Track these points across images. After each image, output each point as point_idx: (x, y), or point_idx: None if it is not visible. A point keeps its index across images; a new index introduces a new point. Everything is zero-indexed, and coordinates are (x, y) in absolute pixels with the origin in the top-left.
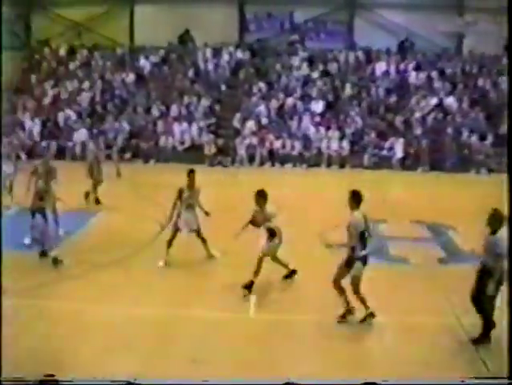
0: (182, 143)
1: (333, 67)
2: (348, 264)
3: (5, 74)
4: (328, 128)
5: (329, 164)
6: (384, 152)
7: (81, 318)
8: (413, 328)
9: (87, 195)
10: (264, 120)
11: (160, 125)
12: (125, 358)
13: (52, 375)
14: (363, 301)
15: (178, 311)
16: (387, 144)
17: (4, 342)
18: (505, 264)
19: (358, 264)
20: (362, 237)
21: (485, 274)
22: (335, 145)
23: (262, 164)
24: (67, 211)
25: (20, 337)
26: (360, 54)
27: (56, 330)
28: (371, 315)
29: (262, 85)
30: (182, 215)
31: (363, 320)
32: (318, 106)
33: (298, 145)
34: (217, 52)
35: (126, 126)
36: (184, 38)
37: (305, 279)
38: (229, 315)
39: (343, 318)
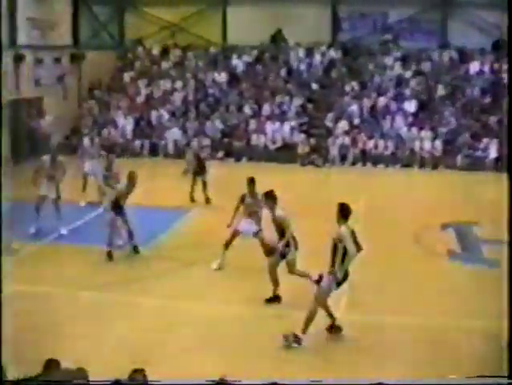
0: (274, 142)
1: (426, 67)
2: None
3: (99, 73)
4: (421, 128)
5: (422, 165)
6: (478, 153)
7: (169, 315)
8: None
9: (191, 194)
10: (356, 120)
11: (253, 124)
12: (212, 356)
13: (142, 370)
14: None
15: (265, 310)
16: (481, 145)
17: (91, 339)
18: None
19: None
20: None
21: None
22: (428, 146)
23: (353, 163)
24: (157, 208)
25: (107, 332)
26: (454, 53)
27: (143, 326)
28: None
29: (354, 84)
30: (243, 220)
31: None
32: (411, 106)
33: (390, 145)
34: (309, 51)
35: (219, 125)
36: (277, 37)
37: (396, 279)
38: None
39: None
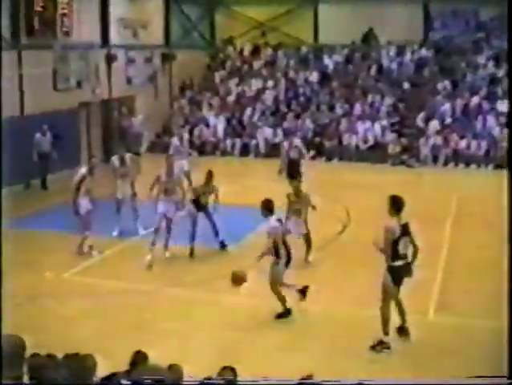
0: (365, 141)
1: None
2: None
3: (189, 73)
4: None
5: None
6: None
7: (259, 314)
8: None
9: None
10: (448, 119)
11: (344, 123)
12: (298, 355)
13: (232, 368)
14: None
15: (360, 311)
16: None
17: (179, 336)
18: None
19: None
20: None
21: None
22: None
23: (445, 164)
24: (247, 207)
25: (195, 330)
26: None
27: (233, 325)
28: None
29: (446, 83)
30: (291, 219)
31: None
32: (504, 105)
33: (483, 145)
34: (401, 50)
35: (309, 124)
36: (368, 36)
37: (487, 281)
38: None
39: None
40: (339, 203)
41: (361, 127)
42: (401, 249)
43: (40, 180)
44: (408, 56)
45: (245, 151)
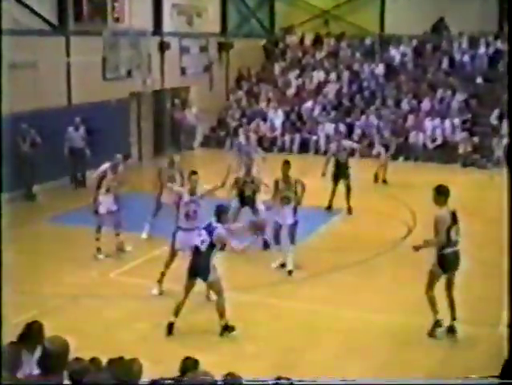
0: (434, 140)
1: None
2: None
3: (247, 63)
4: None
5: None
6: None
7: (314, 320)
8: None
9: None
10: None
11: (411, 120)
12: (357, 364)
13: (288, 379)
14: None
15: (417, 320)
16: None
17: (234, 340)
18: None
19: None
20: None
21: None
22: None
23: None
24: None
25: (250, 335)
26: None
27: (288, 331)
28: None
29: None
30: (278, 207)
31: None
32: None
33: None
34: (474, 42)
35: (374, 120)
36: (439, 26)
37: None
38: (476, 329)
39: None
40: (404, 205)
41: (429, 124)
42: (453, 236)
43: (71, 177)
44: (481, 49)
45: (304, 147)
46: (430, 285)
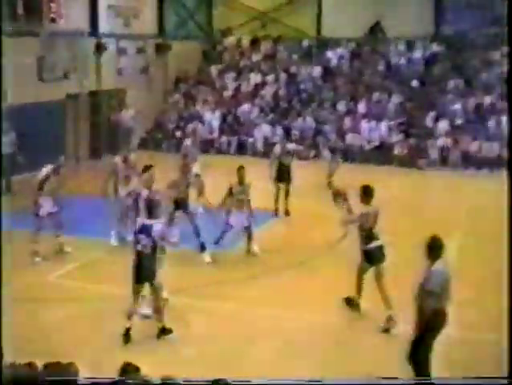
0: (370, 142)
1: None
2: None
3: (185, 65)
4: None
5: None
6: None
7: (253, 321)
8: None
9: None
10: (459, 120)
11: (348, 122)
12: (296, 365)
13: (226, 381)
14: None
15: (356, 321)
16: None
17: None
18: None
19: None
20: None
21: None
22: None
23: (455, 166)
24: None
25: (183, 337)
26: None
27: (226, 333)
28: None
29: (458, 81)
30: (233, 212)
31: None
32: None
33: (496, 148)
34: (410, 45)
35: (311, 122)
36: (375, 30)
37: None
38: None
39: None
40: (341, 207)
41: (366, 126)
42: (375, 232)
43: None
44: (417, 52)
45: (241, 149)
46: (359, 277)
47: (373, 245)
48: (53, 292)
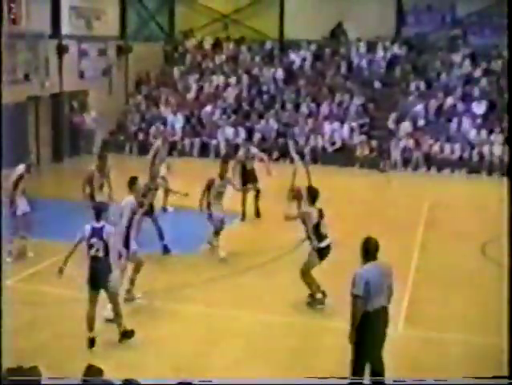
0: (333, 143)
1: (498, 65)
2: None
3: (147, 67)
4: (491, 132)
5: (490, 171)
6: None
7: (214, 323)
8: None
9: None
10: (421, 121)
11: (310, 124)
12: (259, 366)
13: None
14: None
15: (317, 321)
16: None
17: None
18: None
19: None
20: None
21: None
22: (498, 150)
23: (416, 168)
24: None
25: (149, 339)
26: None
27: (188, 335)
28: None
29: (419, 83)
30: (213, 205)
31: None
32: (480, 107)
33: (457, 149)
34: (371, 47)
35: (273, 124)
36: (337, 31)
37: (460, 293)
38: None
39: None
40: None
41: (328, 127)
42: (322, 229)
43: None
44: (379, 53)
45: (204, 151)
46: (308, 272)
47: (324, 244)
48: (12, 296)
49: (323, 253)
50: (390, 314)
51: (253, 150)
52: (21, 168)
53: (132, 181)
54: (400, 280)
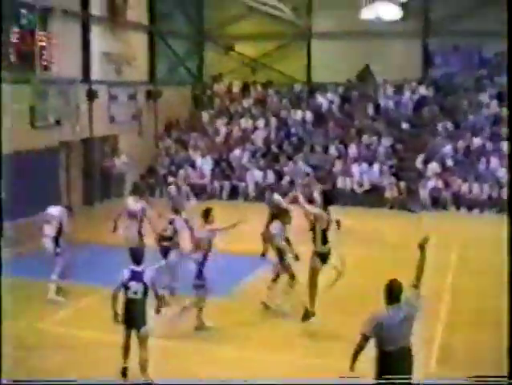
0: (361, 185)
1: None
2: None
3: (176, 111)
4: None
5: None
6: None
7: (251, 367)
8: None
9: None
10: (449, 161)
11: (338, 165)
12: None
13: None
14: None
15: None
16: None
17: None
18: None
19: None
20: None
21: None
22: None
23: (446, 208)
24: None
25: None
26: None
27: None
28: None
29: (447, 123)
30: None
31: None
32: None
33: (486, 189)
34: (398, 88)
35: (302, 166)
36: (364, 74)
37: (488, 334)
38: None
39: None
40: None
41: (356, 169)
42: (329, 236)
43: None
44: (406, 95)
45: (233, 194)
46: (315, 278)
47: (326, 248)
48: (46, 339)
49: (324, 257)
50: (420, 355)
51: (276, 197)
52: (55, 210)
53: (208, 212)
54: (431, 321)
